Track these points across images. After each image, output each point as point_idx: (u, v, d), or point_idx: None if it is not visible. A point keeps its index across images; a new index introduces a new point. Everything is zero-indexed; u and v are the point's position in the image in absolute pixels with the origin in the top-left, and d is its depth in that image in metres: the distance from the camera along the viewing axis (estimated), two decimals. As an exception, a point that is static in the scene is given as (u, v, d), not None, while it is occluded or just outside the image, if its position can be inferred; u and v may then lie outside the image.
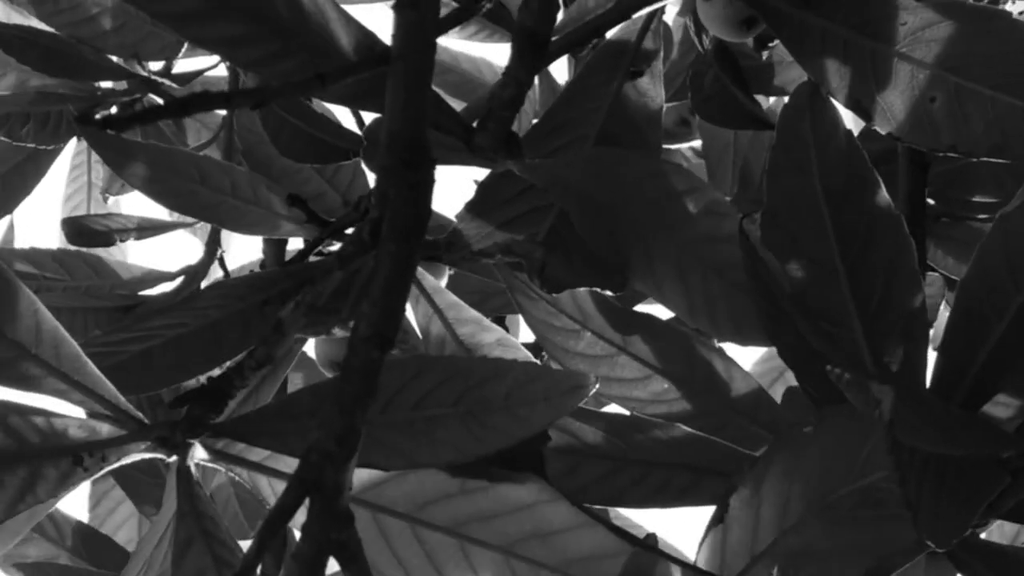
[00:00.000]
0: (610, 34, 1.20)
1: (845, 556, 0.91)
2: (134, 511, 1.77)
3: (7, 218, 2.09)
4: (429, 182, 0.78)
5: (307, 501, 0.75)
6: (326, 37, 0.87)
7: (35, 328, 0.86)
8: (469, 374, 0.88)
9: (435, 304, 1.21)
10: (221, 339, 1.14)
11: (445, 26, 0.83)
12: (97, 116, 0.64)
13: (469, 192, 1.13)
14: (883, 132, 1.04)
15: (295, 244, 1.52)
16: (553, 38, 1.04)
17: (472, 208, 1.12)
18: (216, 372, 0.95)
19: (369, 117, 1.20)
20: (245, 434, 0.89)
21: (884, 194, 1.01)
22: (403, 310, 0.77)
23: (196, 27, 0.85)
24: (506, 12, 1.44)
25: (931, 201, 1.41)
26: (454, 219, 1.12)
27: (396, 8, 0.77)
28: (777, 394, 1.30)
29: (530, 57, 0.98)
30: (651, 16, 1.18)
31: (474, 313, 1.20)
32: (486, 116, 0.98)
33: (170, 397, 0.90)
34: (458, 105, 1.75)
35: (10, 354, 0.85)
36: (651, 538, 0.96)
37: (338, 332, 1.14)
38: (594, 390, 0.87)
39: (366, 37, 0.87)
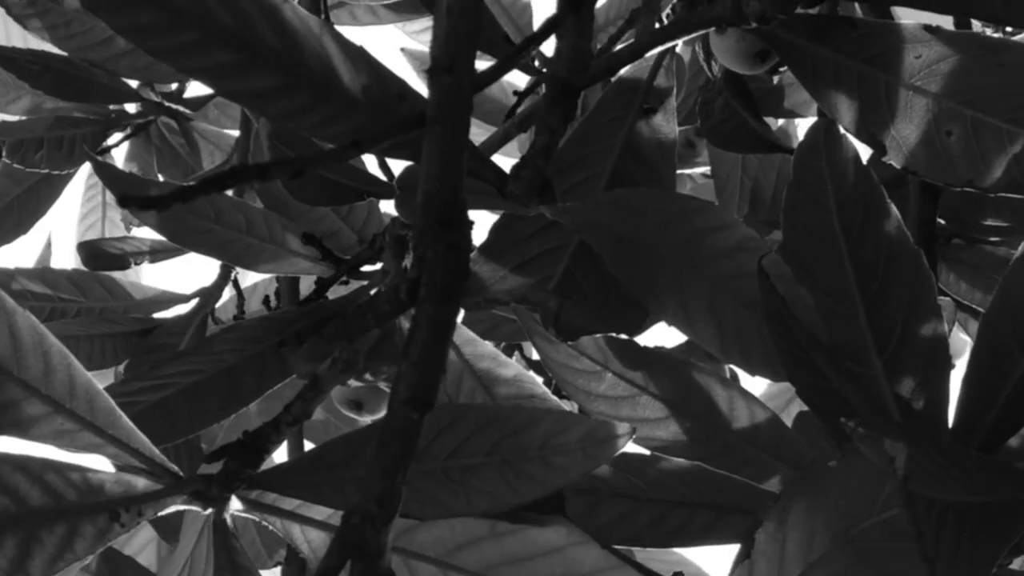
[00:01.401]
0: (623, 71, 1.20)
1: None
2: (154, 535, 1.78)
3: (45, 235, 2.09)
4: (466, 242, 0.78)
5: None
6: (356, 92, 0.88)
7: (69, 382, 0.86)
8: (504, 423, 0.88)
9: (452, 341, 1.21)
10: (237, 384, 1.15)
11: (482, 84, 0.83)
12: (140, 196, 0.64)
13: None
14: (898, 166, 1.04)
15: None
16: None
17: (486, 250, 1.13)
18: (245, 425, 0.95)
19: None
20: (281, 486, 0.89)
21: (903, 228, 1.01)
22: (442, 372, 0.77)
23: (229, 82, 0.86)
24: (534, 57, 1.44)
25: (942, 221, 1.41)
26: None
27: (431, 74, 0.78)
28: (791, 416, 1.31)
29: (562, 106, 0.98)
30: (664, 52, 1.18)
31: (491, 348, 1.20)
32: (520, 164, 0.98)
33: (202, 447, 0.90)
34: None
35: (46, 409, 0.86)
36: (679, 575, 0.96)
37: (352, 382, 1.15)
38: (631, 439, 0.88)
39: (401, 89, 0.88)
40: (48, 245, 2.15)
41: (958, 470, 0.89)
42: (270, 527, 0.92)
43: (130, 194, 0.66)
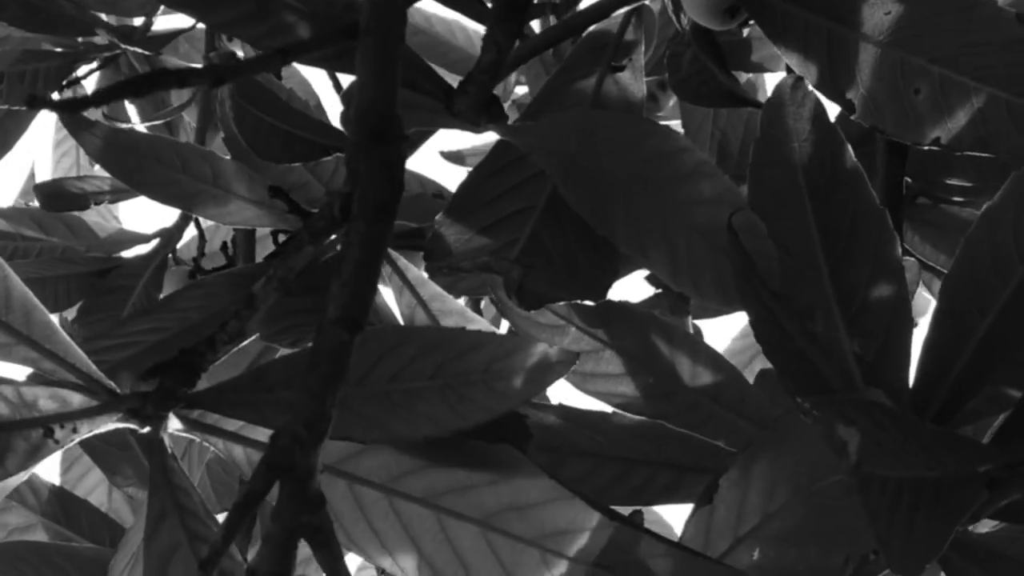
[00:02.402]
0: (592, 26, 1.18)
1: (827, 543, 0.91)
2: (104, 477, 1.76)
3: (27, 165, 2.06)
4: (401, 158, 0.77)
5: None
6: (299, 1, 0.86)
7: (4, 295, 0.84)
8: (447, 346, 0.87)
9: (418, 295, 1.20)
10: (204, 339, 1.13)
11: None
12: (43, 97, 0.62)
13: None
14: (866, 125, 1.03)
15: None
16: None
17: (452, 212, 1.11)
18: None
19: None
20: (219, 405, 0.88)
21: (868, 188, 1.01)
22: (374, 291, 0.75)
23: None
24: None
25: (908, 179, 1.39)
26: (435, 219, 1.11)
27: (366, -20, 0.76)
28: (753, 373, 1.30)
29: (509, 20, 0.96)
30: (633, 9, 1.17)
31: (458, 304, 1.19)
32: (466, 80, 0.96)
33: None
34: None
35: (-23, 321, 0.84)
36: (637, 515, 0.95)
37: None
38: (573, 365, 0.86)
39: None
40: (32, 175, 2.13)
41: (914, 444, 0.88)
42: (211, 448, 0.90)
43: (36, 95, 0.64)
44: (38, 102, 0.64)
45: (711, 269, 0.98)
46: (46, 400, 0.84)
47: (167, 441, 0.88)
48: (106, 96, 0.67)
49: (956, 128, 0.99)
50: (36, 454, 0.83)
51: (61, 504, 1.67)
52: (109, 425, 0.85)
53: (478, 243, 1.09)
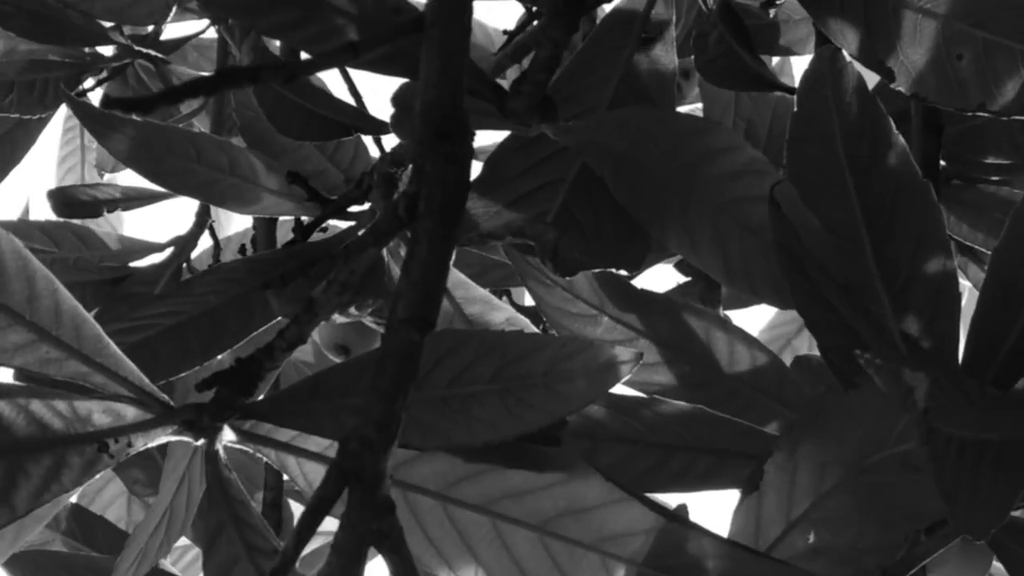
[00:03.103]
0: (620, 1, 1.16)
1: (884, 521, 0.90)
2: (124, 490, 1.75)
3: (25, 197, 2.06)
4: (467, 154, 0.75)
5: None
6: (349, 5, 0.84)
7: (54, 308, 0.83)
8: (507, 349, 0.85)
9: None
10: (221, 326, 1.13)
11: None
12: (123, 98, 0.60)
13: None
14: (907, 93, 1.01)
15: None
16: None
17: (479, 186, 1.08)
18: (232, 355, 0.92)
19: (365, 87, 1.16)
20: (275, 415, 0.86)
21: (911, 160, 0.99)
22: (443, 290, 0.74)
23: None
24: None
25: (943, 163, 1.38)
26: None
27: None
28: (787, 360, 1.29)
29: (566, 15, 0.94)
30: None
31: (483, 292, 1.17)
32: (520, 79, 0.95)
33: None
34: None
35: (30, 337, 0.82)
36: (682, 509, 0.94)
37: (339, 318, 1.12)
38: (637, 365, 0.85)
39: (396, 3, 0.84)
40: (26, 211, 2.11)
41: (975, 406, 0.87)
42: (264, 459, 0.89)
43: (112, 96, 0.63)
44: (113, 103, 0.63)
45: (765, 268, 0.96)
46: (100, 414, 0.83)
47: (222, 453, 0.86)
48: (178, 94, 0.66)
49: (1002, 93, 0.97)
50: (91, 469, 0.81)
51: (77, 521, 1.66)
52: (163, 438, 0.84)
53: (507, 217, 1.07)
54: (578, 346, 0.85)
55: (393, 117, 1.01)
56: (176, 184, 1.28)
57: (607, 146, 0.97)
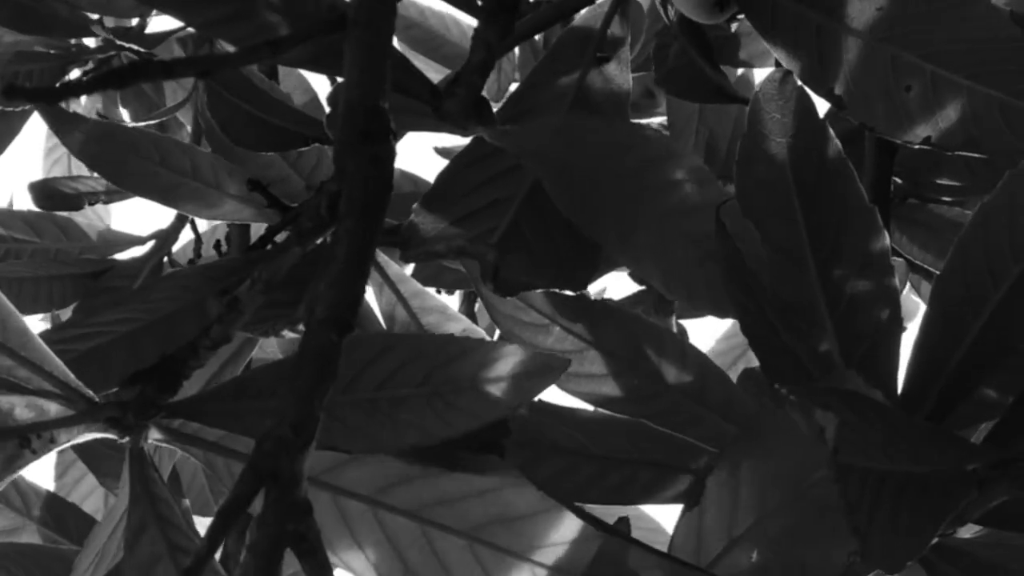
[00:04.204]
0: (576, 19, 1.16)
1: (829, 539, 0.89)
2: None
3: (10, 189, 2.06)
4: (389, 155, 0.75)
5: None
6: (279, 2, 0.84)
7: None
8: (436, 353, 0.85)
9: (399, 292, 1.19)
10: (176, 333, 1.11)
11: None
12: (22, 87, 0.60)
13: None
14: (855, 122, 1.02)
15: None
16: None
17: (428, 202, 1.08)
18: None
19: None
20: (201, 414, 0.86)
21: (857, 184, 0.99)
22: (363, 291, 0.73)
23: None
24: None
25: (898, 180, 1.38)
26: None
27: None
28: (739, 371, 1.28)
29: (499, 19, 0.94)
30: (618, 1, 1.14)
31: (439, 301, 1.18)
32: (454, 81, 0.94)
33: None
34: (424, 63, 1.72)
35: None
36: (623, 523, 0.93)
37: (288, 334, 1.12)
38: (564, 371, 0.84)
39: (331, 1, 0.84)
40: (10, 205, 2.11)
41: (901, 439, 0.86)
42: (192, 459, 0.88)
43: (15, 84, 0.62)
44: (16, 92, 0.62)
45: (704, 277, 0.96)
46: (23, 409, 0.82)
47: (147, 451, 0.86)
48: (90, 86, 0.65)
49: (947, 127, 0.98)
50: (12, 464, 0.81)
51: (50, 509, 1.65)
52: (88, 435, 0.84)
53: (452, 233, 1.07)
54: (507, 351, 0.84)
55: (328, 117, 1.00)
56: (138, 186, 1.28)
57: (547, 152, 0.97)
